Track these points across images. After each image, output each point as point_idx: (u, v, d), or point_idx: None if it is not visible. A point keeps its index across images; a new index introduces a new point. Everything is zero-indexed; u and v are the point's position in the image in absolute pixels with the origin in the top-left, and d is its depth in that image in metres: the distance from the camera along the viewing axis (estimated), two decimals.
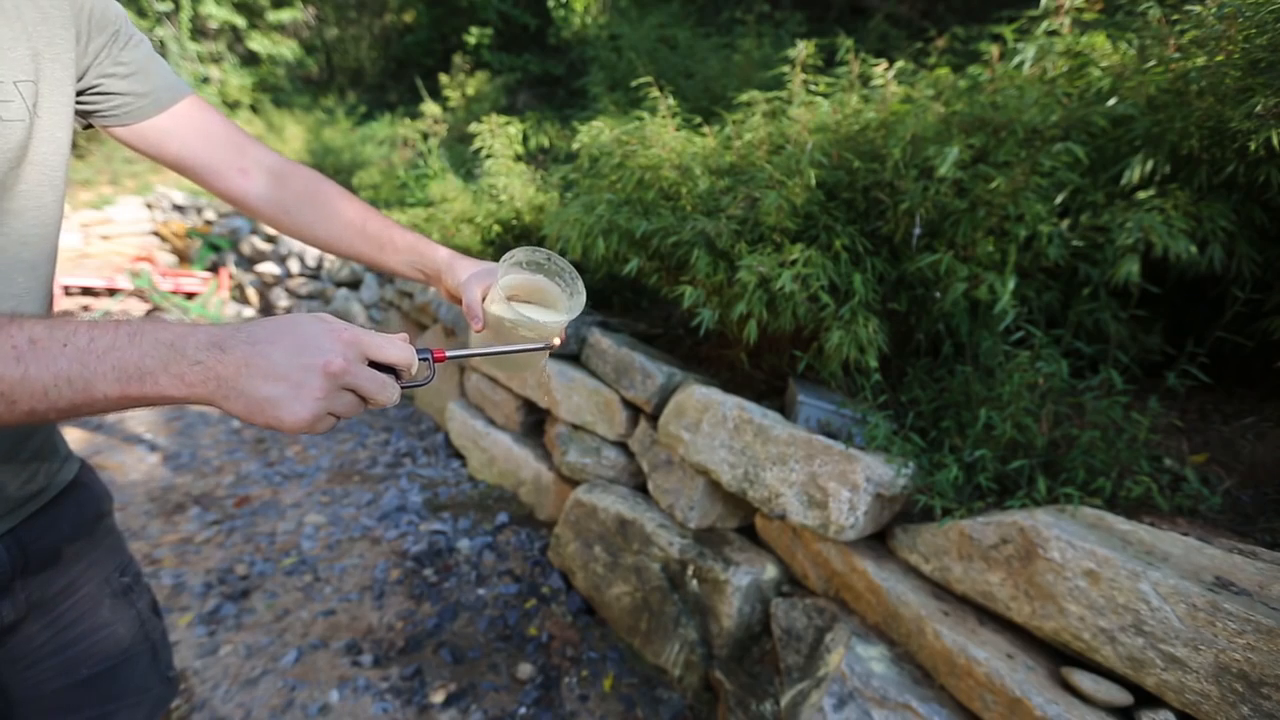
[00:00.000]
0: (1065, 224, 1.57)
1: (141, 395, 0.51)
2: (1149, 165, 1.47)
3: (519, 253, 0.76)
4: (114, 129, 0.77)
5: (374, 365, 0.58)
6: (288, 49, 9.49)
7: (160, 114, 0.78)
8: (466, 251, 4.11)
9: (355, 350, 0.56)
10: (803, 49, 1.99)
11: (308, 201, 0.86)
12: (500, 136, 3.49)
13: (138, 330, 0.52)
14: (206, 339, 0.52)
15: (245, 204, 0.85)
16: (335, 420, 0.57)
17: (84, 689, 0.79)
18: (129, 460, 3.14)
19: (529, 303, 0.82)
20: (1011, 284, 1.47)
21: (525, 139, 4.19)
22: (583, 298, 0.76)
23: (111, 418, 3.51)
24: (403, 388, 0.61)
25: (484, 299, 0.78)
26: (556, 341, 0.74)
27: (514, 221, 3.31)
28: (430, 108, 6.14)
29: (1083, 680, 1.14)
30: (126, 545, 0.90)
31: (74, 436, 3.23)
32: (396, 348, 0.59)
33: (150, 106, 0.77)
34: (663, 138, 2.02)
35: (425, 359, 0.63)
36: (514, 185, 3.31)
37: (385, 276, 4.78)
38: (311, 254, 5.73)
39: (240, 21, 9.22)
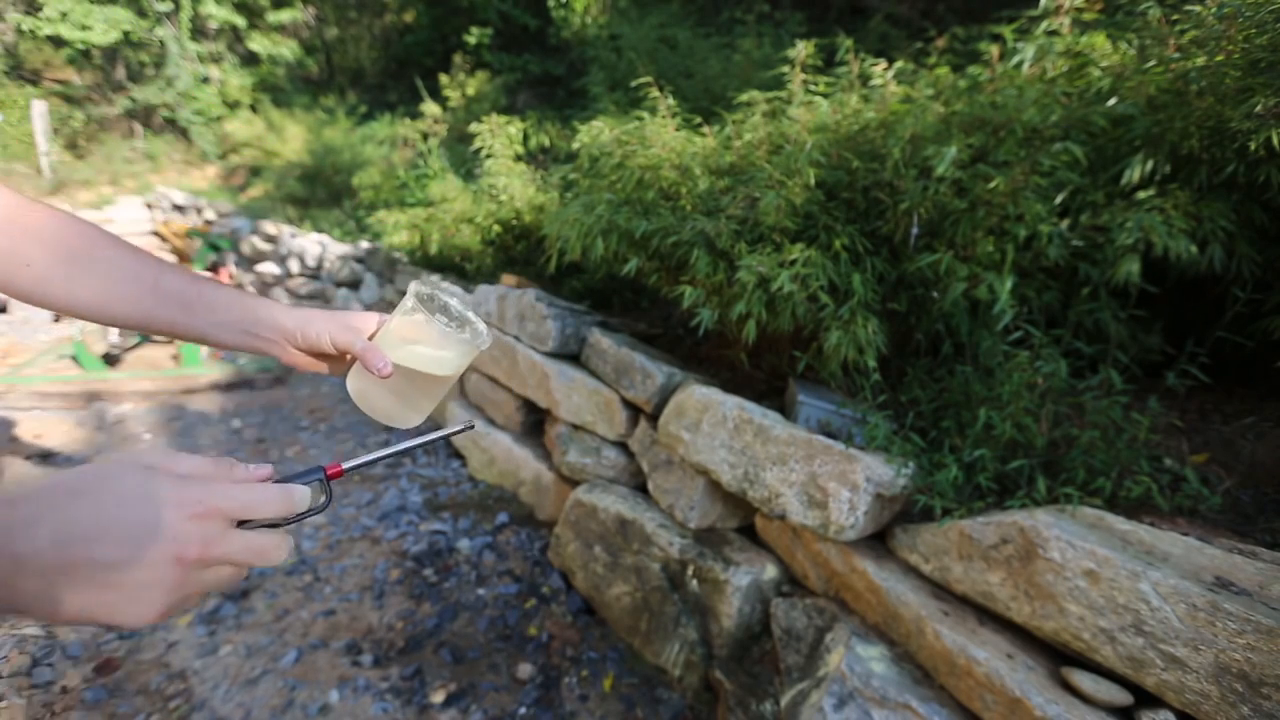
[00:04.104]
0: (1065, 224, 1.56)
1: None
2: (1149, 165, 1.47)
3: (409, 296, 0.68)
4: None
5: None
6: (288, 49, 9.50)
7: None
8: (467, 251, 4.08)
9: (216, 523, 0.44)
10: (802, 49, 1.99)
11: (62, 251, 0.63)
12: (500, 136, 3.49)
13: None
14: None
15: None
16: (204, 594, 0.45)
17: None
18: None
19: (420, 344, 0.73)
20: (1010, 283, 1.47)
21: (525, 139, 4.19)
22: (481, 326, 0.69)
23: (112, 418, 3.52)
24: (293, 521, 0.50)
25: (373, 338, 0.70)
26: (459, 428, 0.66)
27: (514, 221, 3.31)
28: (430, 108, 6.15)
29: (1083, 680, 1.14)
30: None
31: (76, 437, 3.23)
32: (272, 499, 0.47)
33: None
34: (662, 138, 2.03)
35: (319, 480, 0.52)
36: (514, 185, 3.32)
37: (386, 276, 4.76)
38: (312, 254, 5.73)
39: (240, 21, 9.24)
